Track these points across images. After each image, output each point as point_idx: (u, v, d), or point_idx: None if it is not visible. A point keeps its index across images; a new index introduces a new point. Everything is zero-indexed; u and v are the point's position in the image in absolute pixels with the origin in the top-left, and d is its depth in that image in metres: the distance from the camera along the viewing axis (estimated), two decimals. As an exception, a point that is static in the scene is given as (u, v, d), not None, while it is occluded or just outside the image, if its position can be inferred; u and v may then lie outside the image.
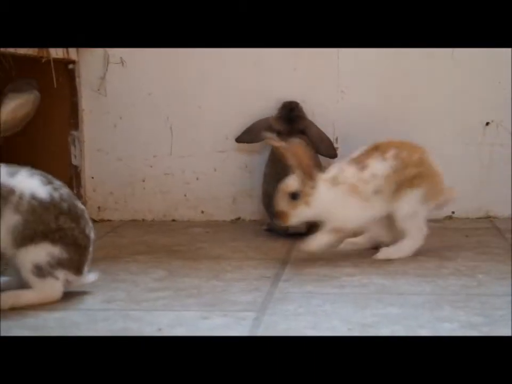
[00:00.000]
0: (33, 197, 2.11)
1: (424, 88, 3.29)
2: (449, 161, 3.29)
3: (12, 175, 2.12)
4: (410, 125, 3.30)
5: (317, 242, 2.54)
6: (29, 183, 2.12)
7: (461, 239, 2.91)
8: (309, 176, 2.49)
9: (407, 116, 3.30)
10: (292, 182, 2.51)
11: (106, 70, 3.38)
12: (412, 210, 2.58)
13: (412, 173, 2.56)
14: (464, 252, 2.68)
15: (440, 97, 3.28)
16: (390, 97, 3.30)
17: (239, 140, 3.25)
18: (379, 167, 2.54)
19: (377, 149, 2.57)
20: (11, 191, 2.10)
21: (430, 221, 3.26)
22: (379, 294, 2.20)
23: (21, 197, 2.10)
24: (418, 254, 2.65)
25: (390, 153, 2.55)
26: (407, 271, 2.44)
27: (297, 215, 2.51)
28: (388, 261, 2.57)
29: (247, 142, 3.26)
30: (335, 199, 2.52)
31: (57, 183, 2.17)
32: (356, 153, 2.60)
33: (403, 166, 2.55)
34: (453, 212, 3.31)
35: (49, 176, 2.17)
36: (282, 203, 2.50)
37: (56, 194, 2.13)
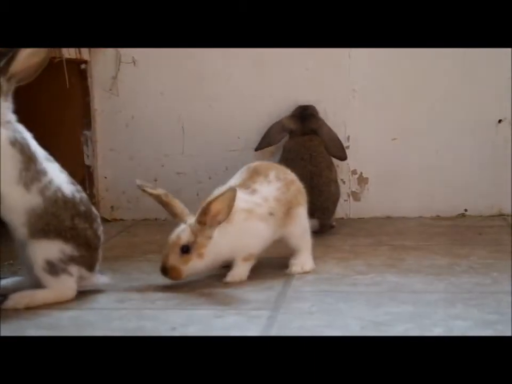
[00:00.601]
0: (59, 189, 2.13)
1: (437, 86, 3.28)
2: (462, 158, 3.29)
3: (49, 160, 2.15)
4: (423, 122, 3.30)
5: (240, 274, 2.37)
6: (59, 175, 2.15)
7: (474, 237, 2.90)
8: (215, 224, 2.28)
9: (419, 114, 3.30)
10: (183, 234, 2.27)
11: (118, 69, 3.39)
12: (305, 227, 2.47)
13: (295, 192, 2.45)
14: (477, 250, 2.67)
15: (453, 95, 3.27)
16: (402, 95, 3.30)
17: (258, 148, 3.25)
18: (267, 190, 2.39)
19: (257, 172, 2.42)
20: (44, 172, 2.12)
21: (443, 219, 3.27)
22: (392, 292, 2.20)
23: (50, 182, 2.12)
24: (432, 252, 2.65)
25: (272, 175, 2.42)
26: (420, 269, 2.43)
27: (190, 270, 2.27)
28: (401, 259, 2.56)
29: (266, 147, 3.26)
30: (238, 231, 2.33)
31: (79, 187, 2.19)
32: (236, 179, 2.43)
33: (286, 187, 2.43)
34: (466, 210, 3.30)
35: (72, 179, 2.19)
36: (172, 257, 2.25)
37: (77, 196, 2.16)
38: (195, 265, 2.27)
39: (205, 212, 2.27)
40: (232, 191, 2.26)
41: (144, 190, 2.36)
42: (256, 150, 3.24)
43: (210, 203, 2.26)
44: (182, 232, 2.27)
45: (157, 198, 2.34)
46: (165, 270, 2.26)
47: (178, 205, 2.34)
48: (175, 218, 2.33)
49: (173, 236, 2.28)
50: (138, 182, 2.38)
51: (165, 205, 2.34)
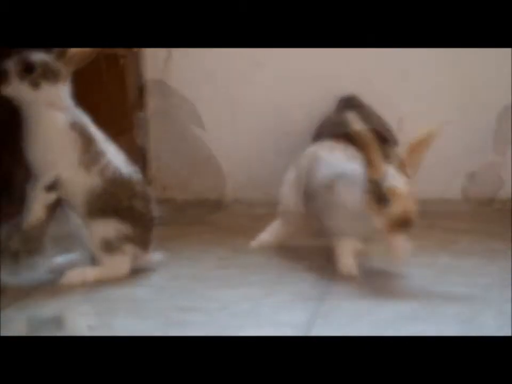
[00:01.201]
0: (118, 170, 2.17)
1: (491, 65, 3.22)
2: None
3: (106, 142, 2.19)
4: (476, 104, 3.25)
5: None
6: (116, 156, 2.19)
7: (530, 220, 2.86)
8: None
9: (472, 94, 3.24)
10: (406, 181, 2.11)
11: (171, 52, 3.41)
12: None
13: None
14: (532, 233, 2.63)
15: (506, 74, 3.21)
16: (455, 75, 3.25)
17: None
18: None
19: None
20: (103, 154, 2.16)
21: (497, 202, 3.23)
22: (444, 274, 2.18)
23: (109, 162, 2.15)
24: (485, 235, 2.62)
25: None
26: (473, 252, 2.41)
27: None
28: (454, 241, 2.54)
29: None
30: None
31: (136, 168, 2.22)
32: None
33: None
34: (522, 192, 3.25)
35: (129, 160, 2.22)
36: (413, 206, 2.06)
37: (135, 177, 2.20)
38: None
39: (413, 151, 2.15)
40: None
41: (347, 126, 2.08)
42: None
43: (420, 142, 2.14)
44: (404, 179, 2.08)
45: (359, 136, 2.06)
46: (411, 222, 2.05)
47: (378, 151, 2.09)
48: (368, 166, 2.08)
49: (402, 185, 2.06)
50: (350, 115, 2.10)
51: (364, 147, 2.07)
